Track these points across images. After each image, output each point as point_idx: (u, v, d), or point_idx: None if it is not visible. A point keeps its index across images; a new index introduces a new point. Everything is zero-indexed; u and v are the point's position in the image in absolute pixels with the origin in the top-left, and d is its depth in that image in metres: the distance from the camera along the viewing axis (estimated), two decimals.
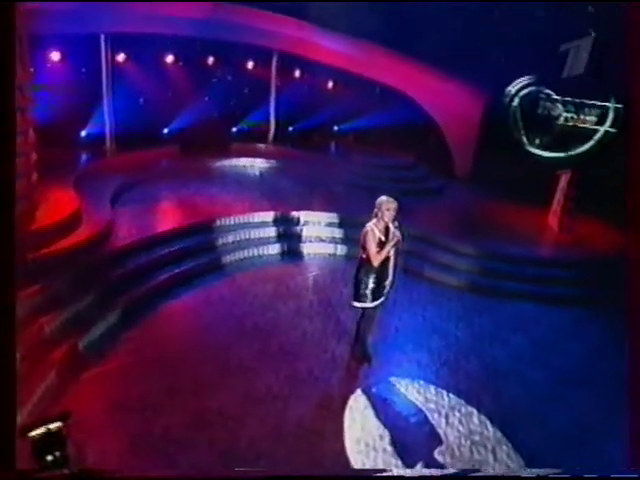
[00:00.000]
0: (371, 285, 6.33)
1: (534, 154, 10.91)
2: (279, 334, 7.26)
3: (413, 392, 6.31)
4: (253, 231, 9.60)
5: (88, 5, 9.98)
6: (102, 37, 11.37)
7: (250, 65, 14.27)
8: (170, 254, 8.11)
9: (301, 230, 9.98)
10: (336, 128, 15.65)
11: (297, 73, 14.93)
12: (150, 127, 12.55)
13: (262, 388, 6.16)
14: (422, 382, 6.49)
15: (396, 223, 6.15)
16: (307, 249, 9.78)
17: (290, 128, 15.17)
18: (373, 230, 6.19)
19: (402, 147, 13.83)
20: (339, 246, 9.87)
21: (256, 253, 9.36)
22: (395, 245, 6.17)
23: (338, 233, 10.09)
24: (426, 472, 4.47)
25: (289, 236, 9.89)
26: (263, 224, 9.84)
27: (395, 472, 4.41)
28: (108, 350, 6.44)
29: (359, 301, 6.41)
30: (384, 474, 3.70)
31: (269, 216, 10.00)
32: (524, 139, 10.98)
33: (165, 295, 7.59)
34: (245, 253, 9.23)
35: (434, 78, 13.38)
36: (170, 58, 13.08)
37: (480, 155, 13.29)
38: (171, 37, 12.17)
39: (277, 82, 14.36)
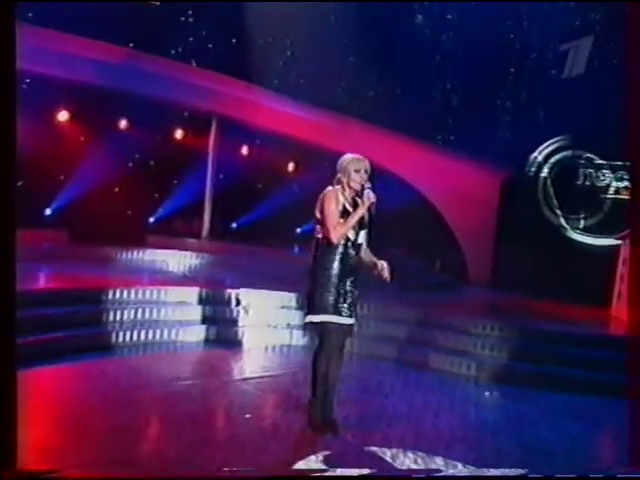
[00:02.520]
0: (334, 281, 4.54)
1: (577, 241, 8.75)
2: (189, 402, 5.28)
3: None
4: (165, 310, 7.51)
5: None
6: None
7: (179, 133, 11.79)
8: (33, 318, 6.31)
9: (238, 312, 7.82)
10: (299, 230, 12.64)
11: (244, 148, 12.74)
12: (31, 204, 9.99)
13: None
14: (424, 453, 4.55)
15: (369, 184, 4.59)
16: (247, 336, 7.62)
17: (234, 224, 12.83)
18: (337, 194, 4.58)
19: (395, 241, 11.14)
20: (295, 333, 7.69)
21: (167, 337, 7.25)
22: (369, 210, 4.58)
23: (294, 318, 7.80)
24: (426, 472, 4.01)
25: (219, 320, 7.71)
26: (182, 303, 7.76)
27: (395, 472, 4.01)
28: None
29: (315, 312, 4.55)
30: (384, 474, 3.62)
31: (192, 293, 7.89)
32: (562, 221, 8.91)
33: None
34: (150, 334, 7.21)
35: (430, 154, 11.11)
36: (63, 114, 10.67)
37: (500, 252, 10.37)
38: (65, 83, 9.89)
39: (215, 157, 11.84)
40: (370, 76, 11.01)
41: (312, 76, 10.98)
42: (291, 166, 13.54)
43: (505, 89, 10.08)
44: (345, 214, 4.54)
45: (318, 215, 4.56)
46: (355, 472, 4.02)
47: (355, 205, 4.56)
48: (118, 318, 7.07)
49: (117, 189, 11.48)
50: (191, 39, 11.09)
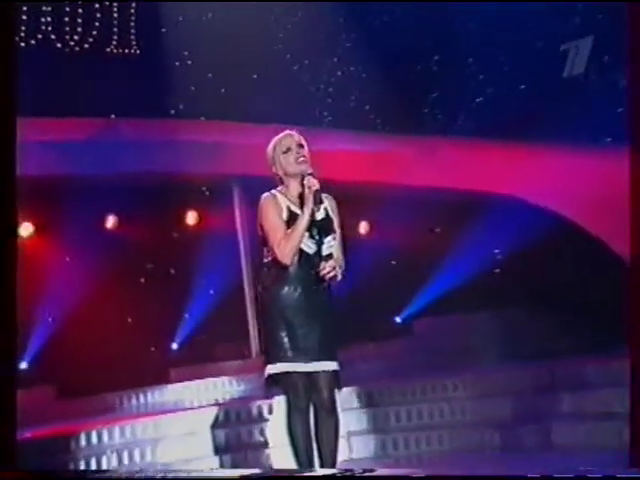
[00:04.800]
0: (292, 314, 3.71)
1: None
2: None
3: None
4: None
5: None
6: None
7: (191, 217, 8.94)
8: None
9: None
10: (399, 320, 10.38)
11: None
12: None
13: None
14: None
15: (307, 165, 3.76)
16: None
17: None
18: (275, 198, 3.81)
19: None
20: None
21: None
22: (314, 204, 3.68)
23: None
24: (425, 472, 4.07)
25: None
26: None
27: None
28: None
29: (272, 361, 3.73)
30: (384, 474, 3.28)
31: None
32: None
33: None
34: None
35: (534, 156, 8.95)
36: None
37: None
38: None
39: (247, 238, 8.99)
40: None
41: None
42: (364, 227, 10.54)
43: None
44: (293, 220, 3.76)
45: (260, 232, 3.86)
46: (355, 472, 3.34)
47: (301, 201, 3.78)
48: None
49: (129, 319, 9.41)
50: (193, 89, 9.28)
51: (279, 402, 5.88)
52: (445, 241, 10.10)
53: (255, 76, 9.28)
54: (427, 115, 9.27)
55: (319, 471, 3.67)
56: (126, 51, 9.22)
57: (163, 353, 9.63)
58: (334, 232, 3.82)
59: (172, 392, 8.91)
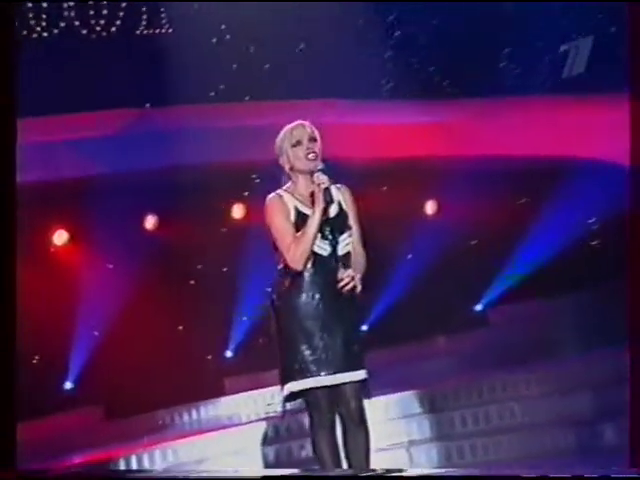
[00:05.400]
0: (311, 324, 3.51)
1: None
2: None
3: None
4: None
5: None
6: None
7: (238, 210, 8.43)
8: None
9: None
10: (480, 307, 9.86)
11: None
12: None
13: None
14: None
15: (319, 161, 3.54)
16: None
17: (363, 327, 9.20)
18: (281, 198, 3.59)
19: None
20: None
21: None
22: (325, 203, 3.49)
23: None
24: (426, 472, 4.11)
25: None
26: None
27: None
28: None
29: (292, 378, 3.51)
30: (384, 474, 3.14)
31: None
32: None
33: None
34: None
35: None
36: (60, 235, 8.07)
37: None
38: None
39: None
40: None
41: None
42: (430, 207, 9.56)
43: None
44: (302, 222, 3.52)
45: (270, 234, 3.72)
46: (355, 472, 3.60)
47: (313, 198, 3.61)
48: None
49: (181, 327, 8.87)
50: (235, 66, 8.67)
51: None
52: (527, 214, 9.37)
53: (302, 45, 8.71)
54: (502, 71, 8.67)
55: (337, 471, 3.62)
56: (157, 31, 8.58)
57: (217, 362, 9.14)
58: (350, 228, 3.65)
59: (226, 405, 8.49)
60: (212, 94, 8.84)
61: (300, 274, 3.53)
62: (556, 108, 8.92)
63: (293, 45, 8.57)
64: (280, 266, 3.59)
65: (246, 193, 9.06)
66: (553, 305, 8.89)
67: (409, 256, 9.81)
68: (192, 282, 8.96)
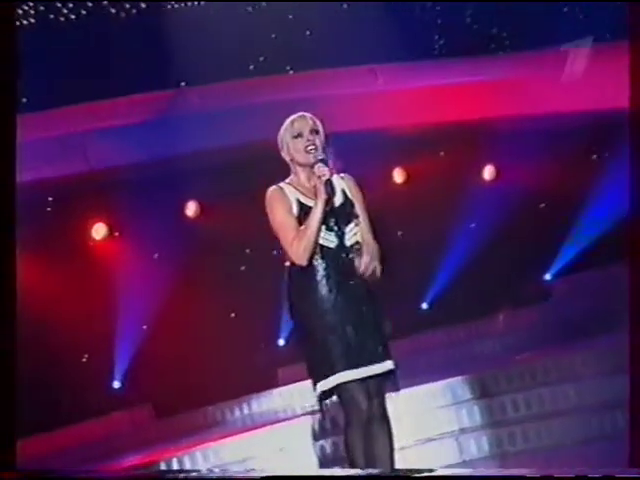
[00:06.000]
0: (330, 319, 3.49)
1: None
2: None
3: None
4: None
5: None
6: None
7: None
8: None
9: None
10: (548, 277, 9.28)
11: (397, 173, 9.00)
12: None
13: None
14: None
15: (320, 152, 3.52)
16: None
17: (423, 304, 9.33)
18: (282, 191, 3.55)
19: None
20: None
21: None
22: (327, 195, 3.44)
23: None
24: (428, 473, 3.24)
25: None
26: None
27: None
28: None
29: (323, 376, 3.49)
30: (384, 474, 3.32)
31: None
32: None
33: None
34: None
35: None
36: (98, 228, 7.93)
37: None
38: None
39: None
40: None
41: None
42: (489, 172, 9.16)
43: None
44: (305, 214, 3.50)
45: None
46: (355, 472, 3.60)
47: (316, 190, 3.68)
48: None
49: (233, 314, 8.67)
50: (273, 35, 8.42)
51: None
52: (597, 172, 8.87)
53: (345, 6, 8.48)
54: (565, 17, 8.18)
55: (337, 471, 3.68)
56: (188, 4, 8.24)
57: (271, 350, 8.93)
58: (356, 217, 3.61)
59: (280, 397, 8.30)
60: (251, 67, 8.55)
61: (311, 269, 3.51)
62: (622, 56, 8.28)
63: (335, 6, 8.15)
64: (287, 263, 3.55)
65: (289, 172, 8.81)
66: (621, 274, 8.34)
67: (472, 225, 9.45)
68: (242, 268, 8.64)
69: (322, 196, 3.45)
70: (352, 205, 3.62)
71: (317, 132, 3.59)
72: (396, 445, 5.66)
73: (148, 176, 7.66)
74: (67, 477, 3.18)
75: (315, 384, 3.57)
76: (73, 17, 8.17)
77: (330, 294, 3.55)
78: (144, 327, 8.20)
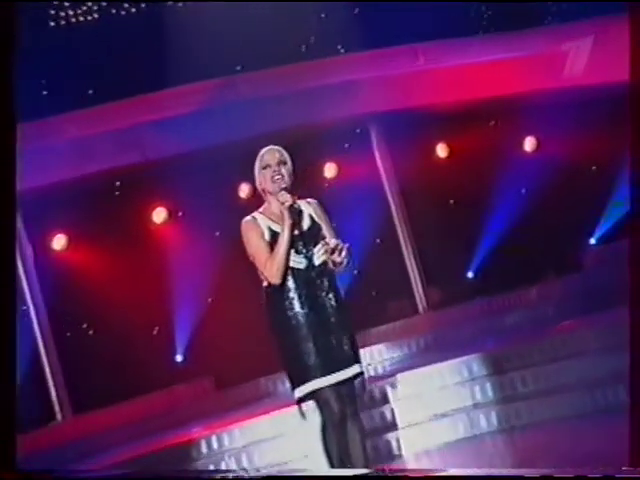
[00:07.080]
0: (303, 332, 3.81)
1: None
2: None
3: None
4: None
5: None
6: None
7: (330, 170, 8.27)
8: None
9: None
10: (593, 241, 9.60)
11: (440, 148, 9.18)
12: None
13: None
14: None
15: (282, 179, 3.82)
16: None
17: (469, 274, 9.44)
18: (255, 220, 3.86)
19: None
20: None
21: None
22: (291, 219, 3.76)
23: None
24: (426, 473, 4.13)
25: None
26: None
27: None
28: None
29: (299, 383, 3.83)
30: (384, 474, 3.61)
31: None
32: None
33: None
34: None
35: None
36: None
37: None
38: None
39: (393, 179, 8.52)
40: None
41: None
42: (530, 144, 9.44)
43: None
44: (275, 240, 3.84)
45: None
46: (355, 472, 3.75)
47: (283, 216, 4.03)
48: None
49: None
50: (323, 15, 8.56)
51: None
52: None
53: None
54: None
55: (337, 471, 3.77)
56: None
57: None
58: (323, 238, 3.84)
59: None
60: (303, 49, 8.61)
61: (284, 290, 3.81)
62: None
63: None
64: (264, 283, 3.84)
65: (346, 145, 8.92)
66: None
67: (522, 190, 9.50)
68: None
69: (287, 221, 3.75)
70: (319, 228, 3.89)
71: (284, 163, 3.88)
72: (414, 421, 6.23)
73: (203, 162, 7.75)
74: (67, 477, 3.20)
75: (293, 390, 3.89)
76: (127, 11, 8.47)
77: (302, 309, 3.86)
78: (209, 300, 8.34)
